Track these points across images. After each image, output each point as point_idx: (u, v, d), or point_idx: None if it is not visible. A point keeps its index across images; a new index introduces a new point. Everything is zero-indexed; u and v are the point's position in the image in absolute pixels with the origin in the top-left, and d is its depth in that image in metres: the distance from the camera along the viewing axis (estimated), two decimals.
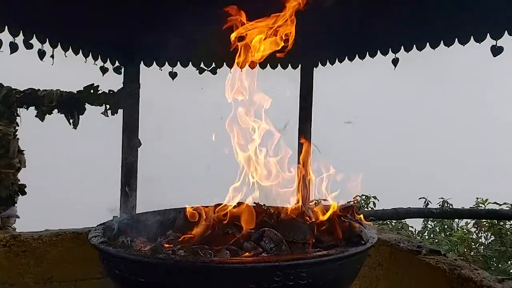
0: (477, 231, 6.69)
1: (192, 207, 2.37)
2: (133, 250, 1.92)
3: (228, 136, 2.46)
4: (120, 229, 2.41)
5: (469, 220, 6.71)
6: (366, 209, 7.16)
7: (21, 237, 3.21)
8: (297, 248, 1.97)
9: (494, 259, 5.67)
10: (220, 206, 2.31)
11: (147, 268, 1.79)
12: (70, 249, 3.30)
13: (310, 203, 2.46)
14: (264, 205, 2.34)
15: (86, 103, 4.88)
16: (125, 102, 4.68)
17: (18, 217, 5.04)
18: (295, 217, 2.18)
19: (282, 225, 2.08)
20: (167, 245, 2.01)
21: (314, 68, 4.75)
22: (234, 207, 2.32)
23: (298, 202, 2.41)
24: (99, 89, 4.90)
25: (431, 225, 6.97)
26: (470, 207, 6.56)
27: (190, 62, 4.72)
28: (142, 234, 2.45)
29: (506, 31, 3.09)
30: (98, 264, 2.07)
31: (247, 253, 1.89)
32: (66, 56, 4.08)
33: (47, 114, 4.89)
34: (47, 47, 3.85)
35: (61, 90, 4.91)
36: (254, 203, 2.35)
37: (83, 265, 3.27)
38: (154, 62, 4.70)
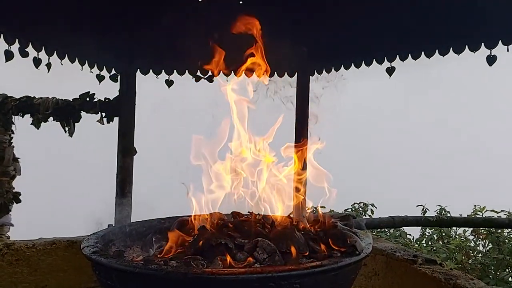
0: (475, 239, 6.66)
1: (186, 217, 2.36)
2: (124, 260, 1.89)
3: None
4: (114, 238, 2.39)
5: (467, 228, 6.68)
6: (364, 216, 7.14)
7: (15, 246, 3.18)
8: (290, 258, 1.95)
9: (492, 267, 5.65)
10: (214, 216, 2.30)
11: (139, 279, 1.77)
12: (64, 257, 3.27)
13: (305, 212, 2.45)
14: (258, 214, 2.32)
15: (82, 111, 4.88)
16: (121, 110, 4.67)
17: (12, 225, 5.02)
18: (289, 227, 2.17)
19: (275, 235, 2.06)
20: (159, 256, 1.99)
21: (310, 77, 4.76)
22: (228, 216, 2.30)
23: (292, 211, 2.40)
24: (95, 97, 4.91)
25: (429, 232, 6.94)
26: (468, 215, 6.54)
27: (187, 70, 4.73)
28: (135, 243, 2.44)
29: (500, 41, 3.11)
30: (93, 273, 2.05)
31: (240, 264, 1.87)
32: (62, 64, 4.08)
33: (43, 122, 4.88)
34: (42, 55, 3.85)
35: (57, 97, 4.91)
36: (248, 212, 2.34)
37: (77, 273, 3.24)
38: (151, 70, 4.70)
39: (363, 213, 7.36)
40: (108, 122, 4.89)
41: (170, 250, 2.02)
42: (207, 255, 1.93)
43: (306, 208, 2.40)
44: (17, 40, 3.59)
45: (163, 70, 4.71)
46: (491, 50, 3.22)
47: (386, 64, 3.97)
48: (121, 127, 4.76)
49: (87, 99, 4.85)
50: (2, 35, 3.46)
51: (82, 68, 4.33)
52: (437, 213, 6.85)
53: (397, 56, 3.87)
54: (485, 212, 6.40)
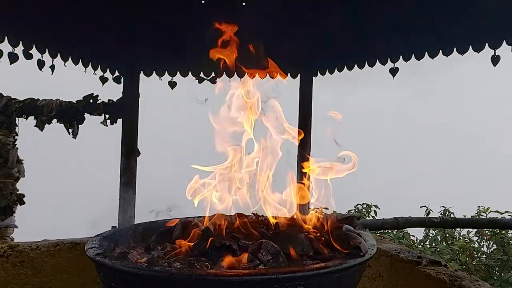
0: (479, 240, 6.64)
1: (190, 218, 2.36)
2: (128, 262, 1.89)
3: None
4: (118, 240, 2.39)
5: (471, 229, 6.66)
6: (367, 217, 7.13)
7: (19, 247, 3.19)
8: (294, 260, 1.94)
9: (497, 268, 5.62)
10: (218, 217, 2.29)
11: (143, 281, 1.77)
12: (68, 259, 3.28)
13: (309, 213, 2.44)
14: (262, 215, 2.32)
15: (86, 113, 4.89)
16: (125, 111, 4.68)
17: (16, 227, 5.02)
18: (293, 228, 2.16)
19: (279, 237, 2.06)
20: (163, 257, 1.99)
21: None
22: (232, 218, 2.30)
23: (296, 212, 2.40)
24: (98, 98, 4.91)
25: (433, 234, 6.93)
26: (472, 216, 6.52)
27: (190, 72, 4.73)
28: (139, 245, 2.43)
29: (504, 41, 3.09)
30: (96, 274, 2.05)
31: (244, 265, 1.87)
32: (66, 66, 4.10)
33: (47, 124, 4.89)
34: (46, 57, 3.87)
35: (61, 99, 4.92)
36: (252, 213, 2.33)
37: (81, 275, 3.24)
38: (154, 71, 4.71)
39: (367, 214, 7.35)
40: (111, 123, 4.90)
41: (174, 251, 2.02)
42: (211, 256, 1.93)
43: (310, 210, 2.39)
44: (21, 42, 3.61)
45: (166, 72, 4.72)
46: (495, 50, 3.21)
47: (390, 65, 3.96)
48: (124, 129, 4.76)
49: (91, 101, 4.86)
50: (6, 37, 3.47)
51: (85, 70, 4.35)
52: (441, 214, 6.82)
53: (401, 56, 3.86)
54: (489, 213, 6.38)
